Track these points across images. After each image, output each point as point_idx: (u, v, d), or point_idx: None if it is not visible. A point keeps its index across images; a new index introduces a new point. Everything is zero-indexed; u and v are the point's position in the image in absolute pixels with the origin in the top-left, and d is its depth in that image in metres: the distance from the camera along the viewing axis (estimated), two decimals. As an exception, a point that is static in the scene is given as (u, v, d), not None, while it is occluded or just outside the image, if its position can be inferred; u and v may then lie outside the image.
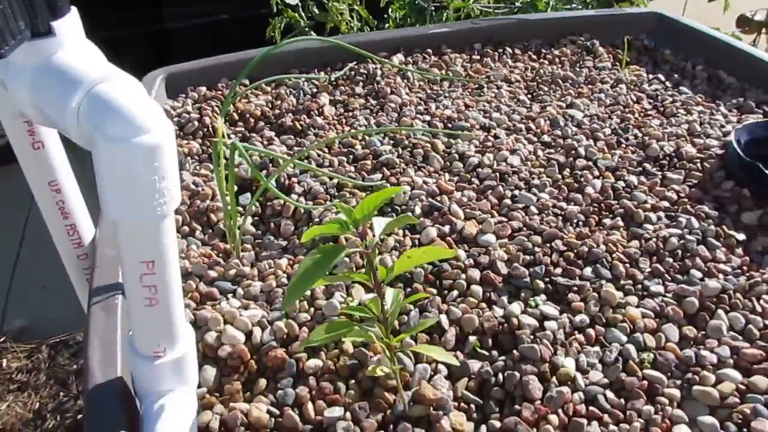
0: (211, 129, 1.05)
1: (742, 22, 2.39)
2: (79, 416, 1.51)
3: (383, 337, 0.58)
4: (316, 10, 1.93)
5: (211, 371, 0.67)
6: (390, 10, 2.04)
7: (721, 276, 0.77)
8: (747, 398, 0.64)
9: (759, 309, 0.73)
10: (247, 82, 1.18)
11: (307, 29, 1.94)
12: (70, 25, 0.51)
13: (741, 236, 0.83)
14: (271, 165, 0.97)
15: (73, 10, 0.51)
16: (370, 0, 1.97)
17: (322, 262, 0.53)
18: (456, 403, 0.64)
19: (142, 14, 2.59)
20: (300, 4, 1.89)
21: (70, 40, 0.50)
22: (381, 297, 0.57)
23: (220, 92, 1.15)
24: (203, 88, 1.15)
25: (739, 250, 0.82)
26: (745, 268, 0.79)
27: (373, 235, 0.57)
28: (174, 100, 1.14)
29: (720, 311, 0.73)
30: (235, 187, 0.92)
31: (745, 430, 0.61)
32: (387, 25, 2.07)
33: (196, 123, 1.06)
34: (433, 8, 1.94)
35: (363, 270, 0.76)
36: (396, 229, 0.83)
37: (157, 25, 2.63)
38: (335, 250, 0.54)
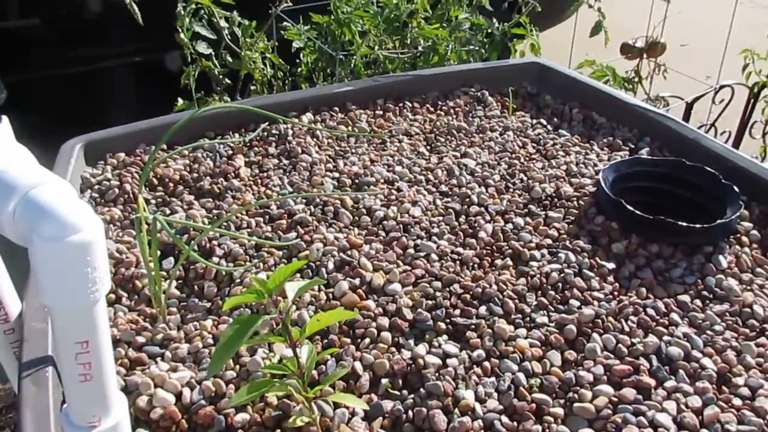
0: (131, 195, 1.11)
1: (625, 49, 2.64)
2: None
3: (301, 390, 0.66)
4: (229, 59, 2.00)
5: (145, 434, 0.72)
6: (301, 55, 2.13)
7: (595, 303, 0.89)
8: (618, 409, 0.75)
9: (627, 329, 0.86)
10: (164, 146, 1.23)
11: (221, 77, 2.00)
12: (2, 133, 0.57)
13: (611, 265, 0.96)
14: (192, 229, 1.03)
15: (4, 119, 0.58)
16: (281, 47, 2.05)
17: (242, 331, 0.61)
18: (372, 440, 0.72)
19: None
20: (213, 53, 1.95)
21: (3, 147, 0.56)
22: (296, 355, 0.65)
23: (138, 158, 1.21)
24: (122, 154, 1.20)
25: (610, 278, 0.95)
26: (615, 293, 0.92)
27: (287, 299, 0.65)
28: (93, 167, 1.19)
29: (595, 334, 0.84)
30: (158, 252, 0.98)
31: (616, 437, 0.72)
32: (299, 69, 2.15)
33: (117, 190, 1.11)
34: (341, 55, 2.05)
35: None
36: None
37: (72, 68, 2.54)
38: (252, 320, 0.62)
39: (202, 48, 1.86)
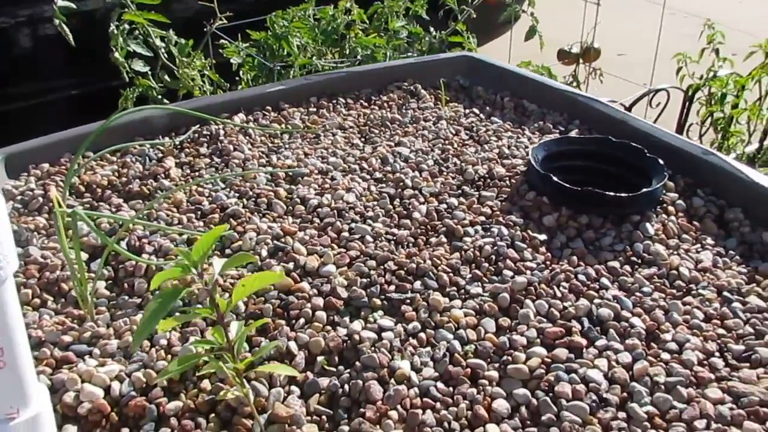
0: (56, 203, 1.08)
1: (561, 55, 2.71)
2: None
3: (231, 363, 0.65)
4: (167, 78, 1.97)
5: (71, 430, 0.69)
6: (241, 72, 2.13)
7: (528, 272, 0.91)
8: (551, 368, 0.76)
9: (559, 294, 0.87)
10: (91, 154, 1.21)
11: (160, 97, 1.97)
12: None
13: (543, 237, 0.98)
14: (120, 226, 1.00)
15: None
16: (221, 65, 2.04)
17: (165, 303, 0.60)
18: (309, 417, 0.71)
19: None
20: (150, 72, 1.92)
21: None
22: (224, 327, 0.64)
23: (63, 167, 1.18)
24: (46, 165, 1.17)
25: (542, 249, 0.96)
26: (547, 262, 0.94)
27: (213, 273, 0.64)
28: (16, 179, 1.15)
29: (528, 301, 0.86)
30: (86, 255, 0.95)
31: (550, 394, 0.73)
32: (240, 87, 2.15)
33: (41, 199, 1.08)
34: (279, 67, 2.05)
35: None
36: (243, 271, 0.90)
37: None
38: (175, 291, 0.61)
39: (139, 66, 1.84)
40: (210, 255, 0.67)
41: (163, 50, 1.85)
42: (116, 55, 1.76)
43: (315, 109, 1.40)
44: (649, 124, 1.25)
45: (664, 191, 1.08)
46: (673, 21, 2.47)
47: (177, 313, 0.75)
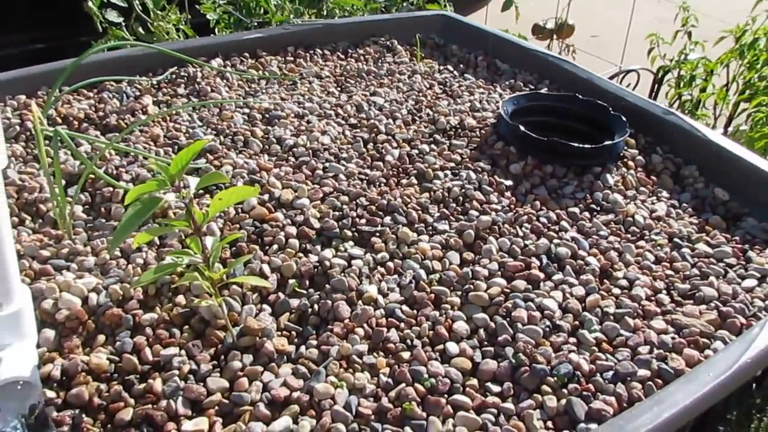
0: (33, 132, 1.08)
1: (536, 30, 2.75)
2: None
3: (206, 274, 0.68)
4: (141, 30, 1.95)
5: (49, 333, 0.72)
6: (216, 30, 2.12)
7: (493, 213, 0.95)
8: (510, 297, 0.81)
9: (521, 233, 0.92)
10: (66, 88, 1.21)
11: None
12: None
13: (509, 182, 1.02)
14: (97, 156, 1.02)
15: None
16: (196, 25, 2.03)
17: (143, 211, 0.62)
18: (279, 332, 0.75)
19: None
20: (124, 24, 1.90)
21: None
22: (200, 238, 0.67)
23: (41, 99, 1.18)
24: (22, 96, 1.17)
25: (508, 194, 1.01)
26: (512, 206, 0.98)
27: (189, 188, 0.67)
28: (-8, 109, 1.15)
29: (491, 238, 0.90)
30: (63, 182, 0.97)
31: (508, 318, 0.77)
32: (216, 39, 2.13)
33: (18, 128, 1.08)
34: (255, 23, 2.05)
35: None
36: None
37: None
38: (154, 201, 0.63)
39: (113, 16, 1.81)
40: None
41: (137, 1, 1.83)
42: (90, 3, 1.74)
43: (292, 59, 1.42)
44: (615, 85, 1.30)
45: (625, 147, 1.13)
46: (649, 5, 2.51)
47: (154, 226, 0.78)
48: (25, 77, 1.20)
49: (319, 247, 0.87)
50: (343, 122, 1.17)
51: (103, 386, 0.67)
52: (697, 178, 1.09)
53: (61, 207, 0.85)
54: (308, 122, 1.16)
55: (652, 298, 0.83)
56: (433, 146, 1.11)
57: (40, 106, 1.16)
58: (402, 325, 0.76)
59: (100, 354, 0.70)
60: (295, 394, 0.67)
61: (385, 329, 0.75)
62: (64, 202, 0.86)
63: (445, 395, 0.68)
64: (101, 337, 0.73)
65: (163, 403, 0.66)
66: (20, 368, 0.61)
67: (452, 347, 0.73)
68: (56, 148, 0.82)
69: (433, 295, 0.80)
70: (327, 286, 0.80)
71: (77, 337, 0.73)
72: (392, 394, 0.68)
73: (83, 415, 0.65)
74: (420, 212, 0.94)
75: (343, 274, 0.82)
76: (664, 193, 1.05)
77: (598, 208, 1.00)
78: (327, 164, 1.03)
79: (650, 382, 0.70)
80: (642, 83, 2.47)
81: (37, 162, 1.03)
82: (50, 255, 0.83)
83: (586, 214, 0.99)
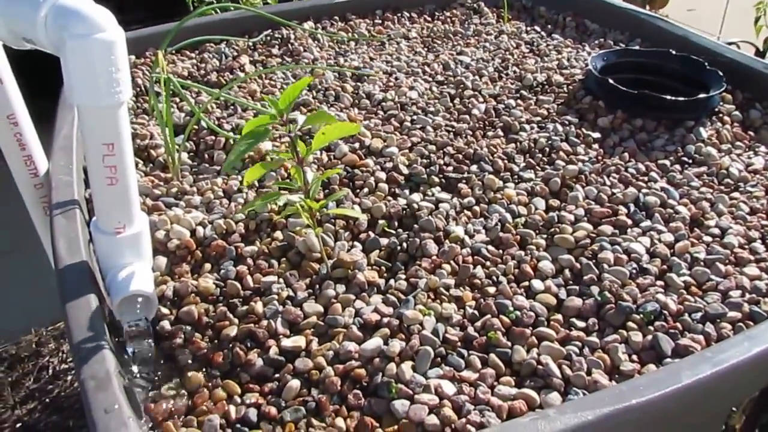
0: (143, 89, 1.17)
1: (627, -1, 2.67)
2: (18, 425, 1.56)
3: (306, 203, 0.72)
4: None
5: (162, 260, 0.79)
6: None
7: (580, 163, 0.95)
8: (596, 240, 0.81)
9: (608, 183, 0.92)
10: (173, 50, 1.29)
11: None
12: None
13: (597, 135, 1.02)
14: (202, 112, 1.09)
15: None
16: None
17: (256, 139, 0.67)
18: (369, 267, 0.79)
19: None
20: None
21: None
22: (302, 170, 0.71)
23: (148, 59, 1.27)
24: (132, 57, 1.26)
25: (596, 146, 1.00)
26: (599, 157, 0.98)
27: (296, 123, 0.71)
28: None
29: (578, 186, 0.91)
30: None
31: (594, 260, 0.78)
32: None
33: (129, 83, 1.17)
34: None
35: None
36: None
37: None
38: (266, 131, 0.68)
39: None
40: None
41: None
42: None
43: (380, 21, 1.45)
44: (713, 42, 1.25)
45: (721, 102, 1.10)
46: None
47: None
48: (134, 39, 1.28)
49: (407, 192, 0.90)
50: (430, 79, 1.20)
51: (210, 307, 0.73)
52: (799, 133, 1.05)
53: (171, 153, 0.92)
54: (396, 78, 1.19)
55: (746, 246, 0.82)
56: (519, 101, 1.12)
57: (148, 65, 1.25)
58: (488, 263, 0.79)
59: (207, 279, 0.76)
60: (386, 320, 0.70)
61: (471, 266, 0.78)
62: (174, 148, 0.93)
63: (530, 327, 0.70)
64: (207, 266, 0.79)
65: (264, 323, 0.71)
66: (143, 284, 0.67)
67: (537, 284, 0.75)
68: (168, 99, 0.89)
69: (518, 237, 0.82)
70: (415, 226, 0.83)
71: (186, 264, 0.79)
72: (478, 324, 0.70)
73: (193, 331, 0.71)
74: (506, 161, 0.95)
75: (430, 215, 0.85)
76: (763, 148, 1.02)
77: (690, 161, 0.98)
78: (415, 117, 1.06)
79: (741, 324, 0.69)
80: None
81: (146, 114, 1.11)
82: (161, 194, 0.90)
83: (677, 166, 0.97)
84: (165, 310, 0.73)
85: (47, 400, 1.63)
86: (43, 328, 1.78)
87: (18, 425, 1.55)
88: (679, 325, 0.70)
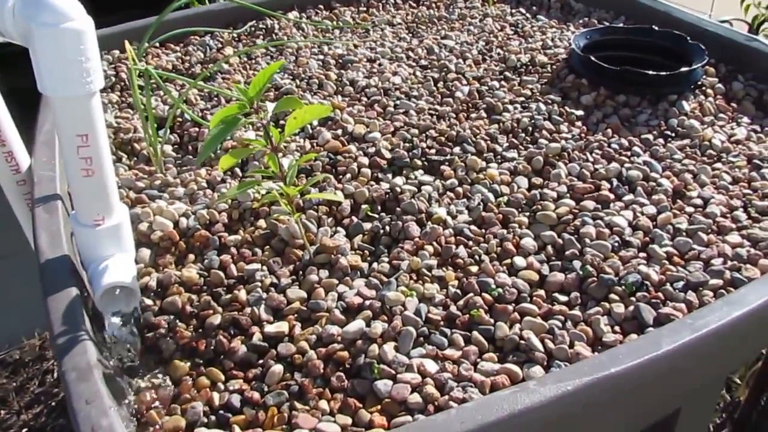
0: (127, 83, 1.17)
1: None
2: (24, 430, 1.56)
3: (283, 189, 0.73)
4: None
5: (146, 251, 0.79)
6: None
7: (563, 141, 0.95)
8: (578, 216, 0.81)
9: (591, 159, 0.92)
10: (157, 44, 1.29)
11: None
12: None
13: (580, 112, 1.02)
14: (185, 104, 1.09)
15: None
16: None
17: (227, 127, 0.67)
18: (352, 251, 0.79)
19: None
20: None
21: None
22: (277, 158, 0.71)
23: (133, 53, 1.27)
24: (116, 51, 1.26)
25: (578, 123, 1.00)
26: (583, 135, 0.98)
27: (266, 112, 0.71)
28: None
29: (560, 163, 0.90)
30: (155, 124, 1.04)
31: (576, 235, 0.78)
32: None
33: (113, 78, 1.17)
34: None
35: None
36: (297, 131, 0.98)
37: None
38: (235, 119, 0.68)
39: None
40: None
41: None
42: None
43: (365, 8, 1.45)
44: (695, 16, 1.25)
45: (704, 75, 1.09)
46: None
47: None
48: (117, 33, 1.28)
49: (390, 176, 0.90)
50: (414, 64, 1.20)
51: (194, 296, 0.74)
52: (783, 103, 1.04)
53: (154, 145, 0.92)
54: (380, 65, 1.19)
55: (728, 215, 0.82)
56: (503, 83, 1.11)
57: (134, 60, 1.25)
58: (470, 242, 0.79)
59: (191, 269, 0.76)
60: (368, 302, 0.71)
61: (453, 246, 0.78)
62: (156, 140, 0.93)
63: (512, 303, 0.70)
64: (191, 256, 0.79)
65: (248, 310, 0.71)
66: (122, 275, 0.67)
67: (519, 261, 0.75)
68: (149, 92, 0.89)
69: (501, 216, 0.82)
70: (398, 209, 0.83)
71: (170, 255, 0.79)
72: (460, 303, 0.71)
73: (177, 320, 0.71)
74: (489, 142, 0.95)
75: (413, 198, 0.85)
76: (745, 119, 1.02)
77: (673, 134, 0.98)
78: (398, 102, 1.06)
79: (722, 290, 0.69)
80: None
81: (131, 109, 1.11)
82: (144, 186, 0.91)
83: (660, 140, 0.97)
84: (149, 302, 0.73)
85: (53, 403, 1.64)
86: (46, 331, 1.79)
87: (24, 430, 1.56)
88: (661, 294, 0.70)
